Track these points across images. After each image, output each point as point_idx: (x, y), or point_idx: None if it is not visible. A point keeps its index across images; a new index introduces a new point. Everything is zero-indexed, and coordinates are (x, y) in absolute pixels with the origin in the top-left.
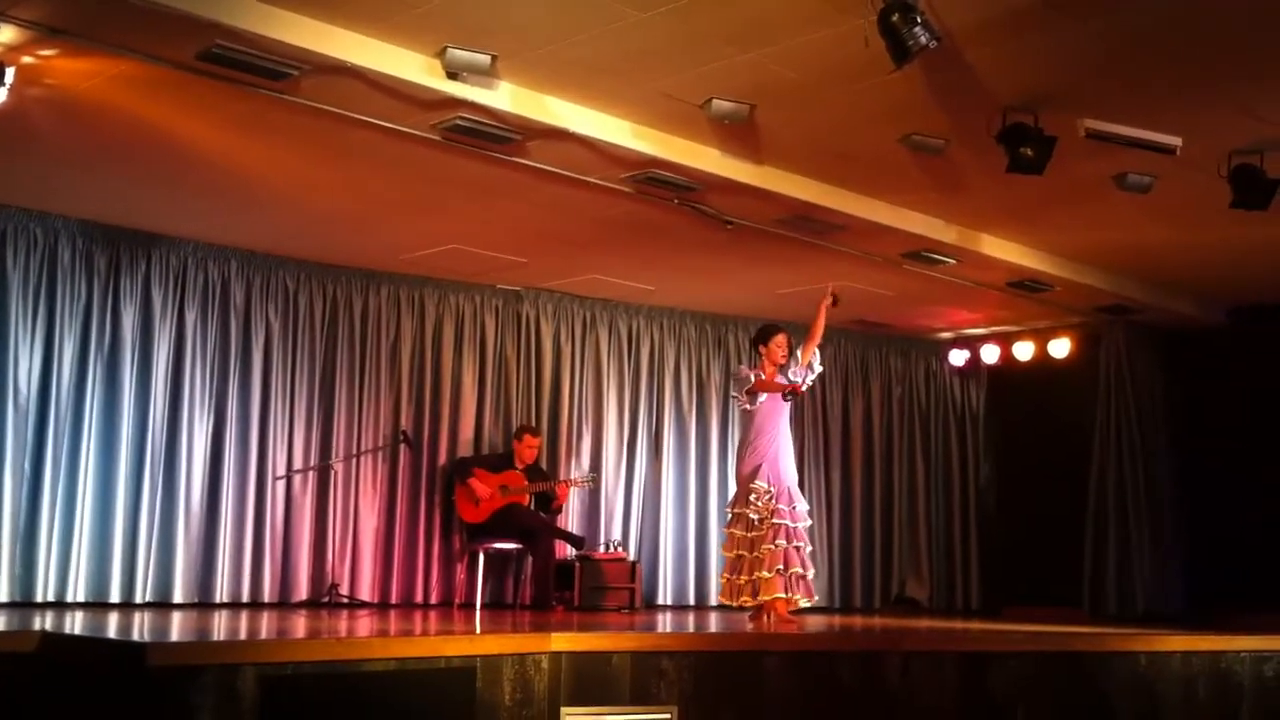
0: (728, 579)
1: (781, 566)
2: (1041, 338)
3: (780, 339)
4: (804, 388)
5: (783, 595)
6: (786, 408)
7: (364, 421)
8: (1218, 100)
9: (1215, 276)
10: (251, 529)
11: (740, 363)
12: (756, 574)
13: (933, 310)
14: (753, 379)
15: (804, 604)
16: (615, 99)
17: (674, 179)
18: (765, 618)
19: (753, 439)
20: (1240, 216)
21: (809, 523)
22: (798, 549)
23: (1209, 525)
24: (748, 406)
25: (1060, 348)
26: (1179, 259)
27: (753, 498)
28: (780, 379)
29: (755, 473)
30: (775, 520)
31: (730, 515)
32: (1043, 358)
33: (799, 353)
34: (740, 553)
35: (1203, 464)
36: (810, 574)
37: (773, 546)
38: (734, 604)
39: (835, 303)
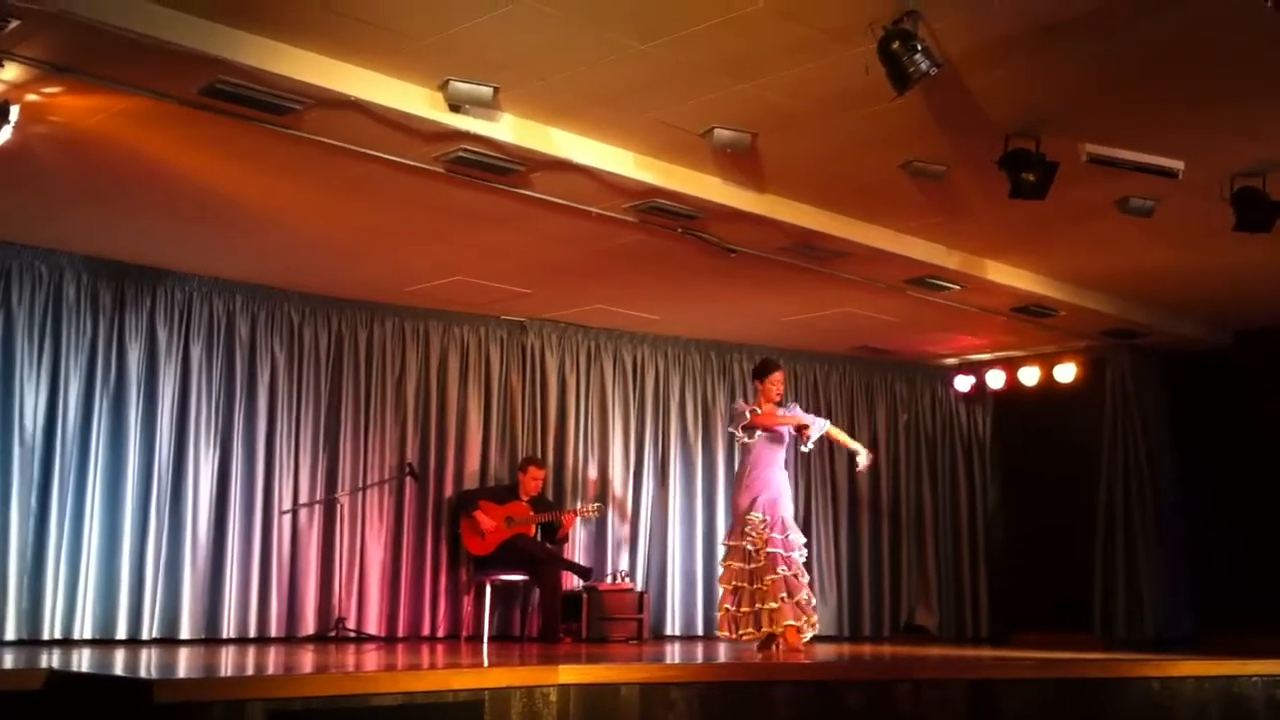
0: (726, 610)
1: (786, 594)
2: (1047, 362)
3: (776, 376)
4: (805, 447)
5: (794, 623)
6: (784, 442)
7: (369, 454)
8: (1218, 123)
9: (1220, 299)
10: (258, 563)
11: (740, 395)
12: (761, 605)
13: (937, 336)
14: (748, 415)
15: (808, 633)
16: (617, 129)
17: (677, 208)
18: (775, 647)
19: (749, 472)
20: (1244, 239)
21: (804, 555)
22: (796, 577)
23: (1218, 548)
24: (746, 440)
25: (1066, 372)
26: (1183, 282)
27: (748, 529)
28: (782, 413)
29: (751, 505)
30: (770, 549)
31: (726, 549)
32: (1049, 382)
33: (822, 421)
34: (738, 584)
35: (1211, 486)
36: (813, 603)
37: (775, 575)
38: (733, 636)
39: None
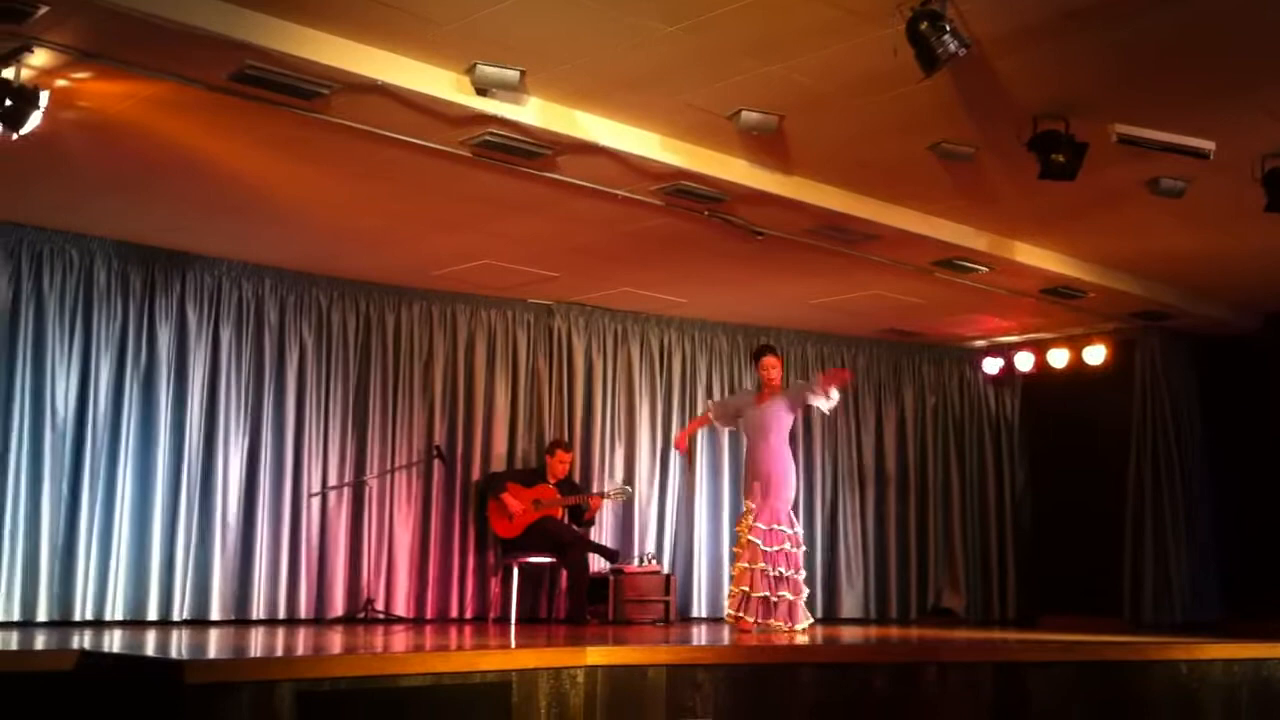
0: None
1: (748, 587)
2: (1076, 345)
3: (765, 361)
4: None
5: (732, 613)
6: (781, 424)
7: (398, 437)
8: (1248, 104)
9: (1250, 281)
10: (287, 545)
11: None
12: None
13: (965, 318)
14: (711, 409)
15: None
16: (644, 112)
17: (703, 191)
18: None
19: (748, 456)
20: (1275, 221)
21: (787, 548)
22: (762, 570)
23: (1246, 531)
24: (720, 427)
25: (1095, 354)
26: (1213, 264)
27: (745, 515)
28: (781, 399)
29: (748, 492)
30: (750, 538)
31: (736, 534)
32: (1077, 364)
33: (815, 384)
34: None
35: (1239, 469)
36: (796, 597)
37: (747, 565)
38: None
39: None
